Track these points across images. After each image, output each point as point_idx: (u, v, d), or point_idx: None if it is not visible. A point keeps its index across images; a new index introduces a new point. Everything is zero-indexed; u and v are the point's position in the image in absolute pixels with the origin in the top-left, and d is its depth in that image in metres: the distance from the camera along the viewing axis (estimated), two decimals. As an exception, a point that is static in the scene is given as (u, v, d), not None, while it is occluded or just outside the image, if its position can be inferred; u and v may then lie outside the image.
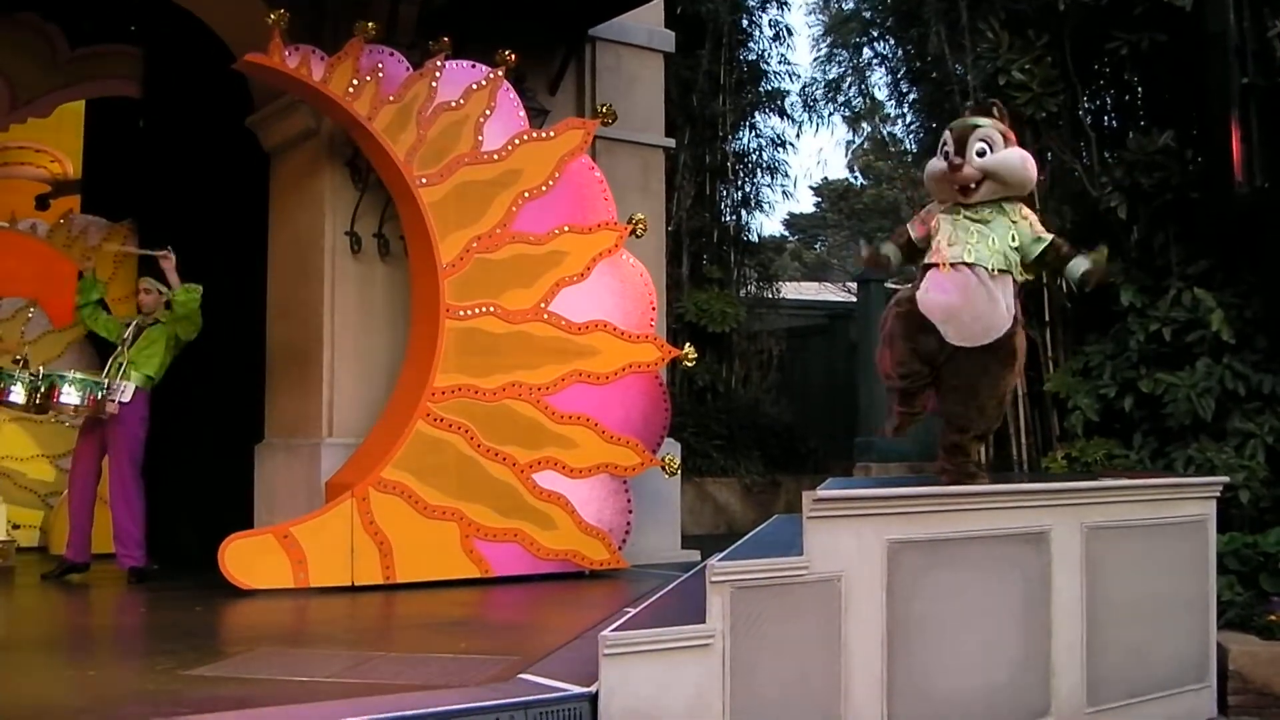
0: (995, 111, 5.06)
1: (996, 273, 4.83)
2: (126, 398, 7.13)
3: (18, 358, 7.34)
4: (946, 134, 5.02)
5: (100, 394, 7.02)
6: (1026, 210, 5.04)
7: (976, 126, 4.92)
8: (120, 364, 7.26)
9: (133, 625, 6.14)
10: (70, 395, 6.93)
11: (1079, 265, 4.94)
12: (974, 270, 4.80)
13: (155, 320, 7.44)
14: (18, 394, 6.89)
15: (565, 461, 7.18)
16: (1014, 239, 4.90)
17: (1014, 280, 4.93)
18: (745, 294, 13.09)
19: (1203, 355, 7.66)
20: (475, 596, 6.64)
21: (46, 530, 8.56)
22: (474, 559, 6.92)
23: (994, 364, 4.97)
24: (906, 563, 4.48)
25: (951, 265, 4.80)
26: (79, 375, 7.08)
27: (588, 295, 7.36)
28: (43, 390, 6.91)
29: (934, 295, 4.84)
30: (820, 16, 15.48)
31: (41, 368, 7.17)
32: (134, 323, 7.47)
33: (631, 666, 3.86)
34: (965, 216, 4.91)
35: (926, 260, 4.95)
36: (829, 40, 14.61)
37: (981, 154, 4.85)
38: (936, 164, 5.01)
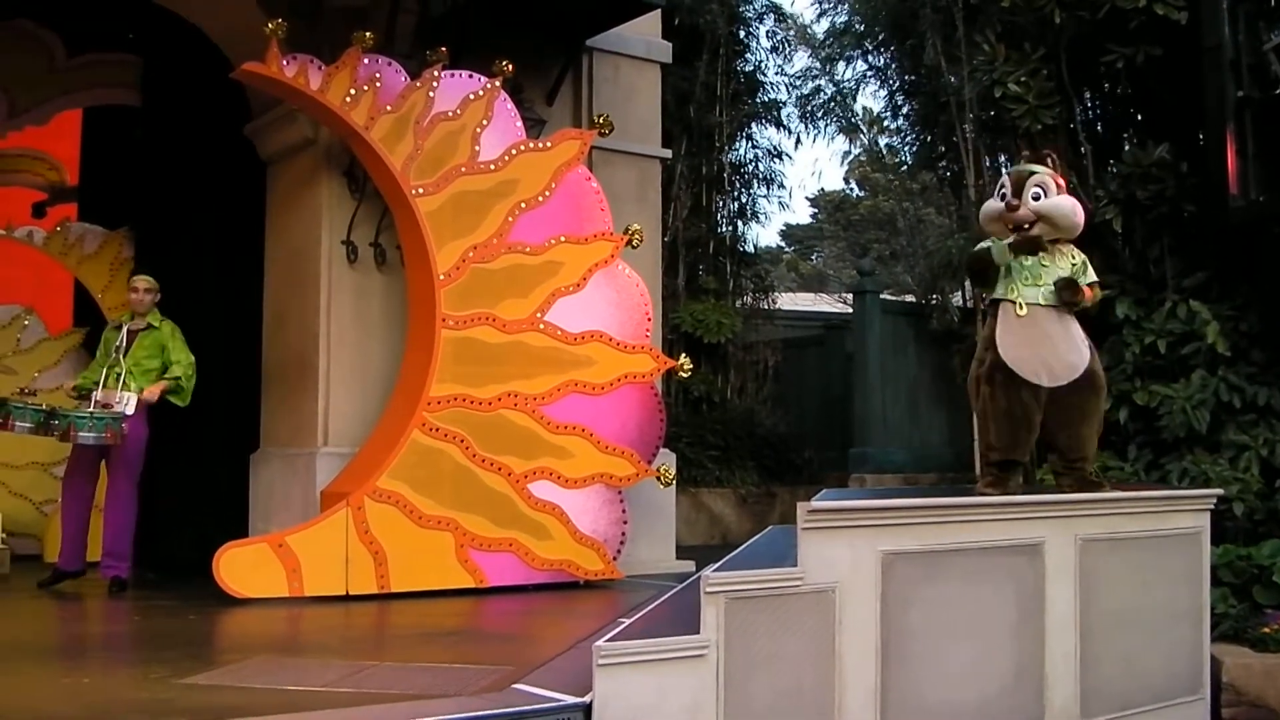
0: (1049, 161, 5.41)
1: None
2: (130, 409, 6.94)
3: (25, 389, 7.23)
4: (1005, 178, 5.40)
5: (118, 428, 6.82)
6: (1080, 253, 5.37)
7: (1033, 173, 5.29)
8: (118, 374, 7.07)
9: (127, 633, 6.12)
10: (87, 437, 6.77)
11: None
12: (1047, 311, 5.15)
13: (149, 325, 7.28)
14: (24, 428, 6.71)
15: (561, 472, 7.18)
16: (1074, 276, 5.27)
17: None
18: (741, 305, 13.08)
19: (1198, 368, 7.68)
20: (470, 606, 6.62)
21: (41, 538, 8.54)
22: (469, 569, 6.92)
23: (1088, 397, 5.29)
24: (901, 574, 4.49)
25: (1026, 306, 5.14)
26: (96, 413, 6.84)
27: (584, 306, 7.36)
28: (60, 428, 6.72)
29: (1016, 352, 5.13)
30: (810, 30, 15.59)
31: (59, 405, 6.97)
32: (125, 327, 7.28)
33: (625, 677, 3.86)
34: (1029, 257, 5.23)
35: (999, 295, 5.24)
36: (817, 58, 14.73)
37: (1036, 198, 5.20)
38: (994, 205, 5.36)
